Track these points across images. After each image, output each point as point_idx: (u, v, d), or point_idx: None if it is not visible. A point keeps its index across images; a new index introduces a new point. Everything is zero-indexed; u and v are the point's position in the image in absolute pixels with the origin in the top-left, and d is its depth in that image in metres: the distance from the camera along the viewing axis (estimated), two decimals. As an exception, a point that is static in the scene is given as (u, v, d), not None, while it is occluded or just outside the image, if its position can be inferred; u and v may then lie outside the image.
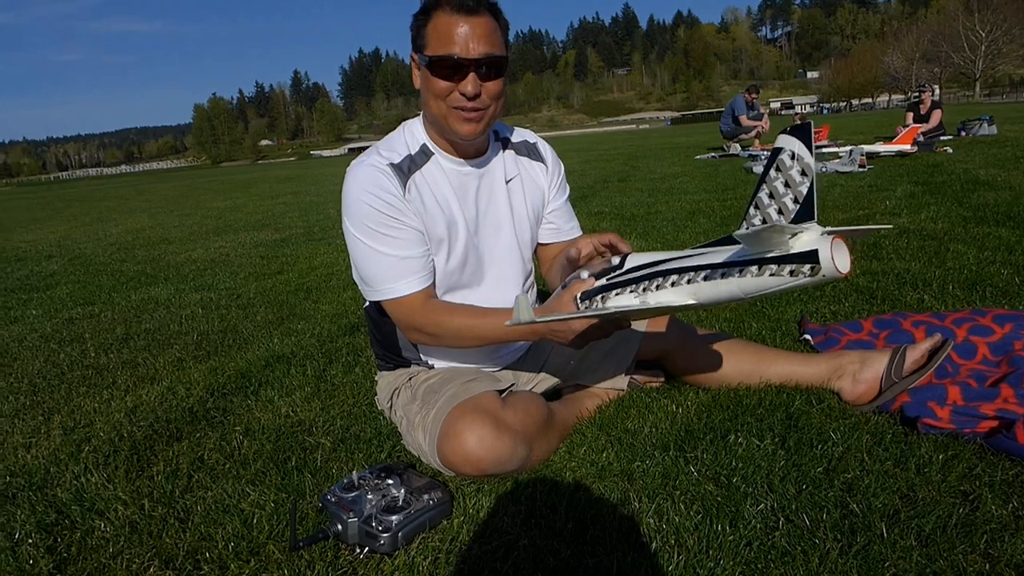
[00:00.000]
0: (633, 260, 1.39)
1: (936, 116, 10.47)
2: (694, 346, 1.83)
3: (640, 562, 1.17)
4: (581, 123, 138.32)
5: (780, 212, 1.12)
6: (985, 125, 11.12)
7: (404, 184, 1.52)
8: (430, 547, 1.27)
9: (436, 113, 1.49)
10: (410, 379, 1.68)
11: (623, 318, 1.42)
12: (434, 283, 1.59)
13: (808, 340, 2.17)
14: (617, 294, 1.36)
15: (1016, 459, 1.36)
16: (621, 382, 1.81)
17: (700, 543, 1.20)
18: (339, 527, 1.28)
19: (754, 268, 1.14)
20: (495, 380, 1.64)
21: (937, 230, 3.74)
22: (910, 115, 10.74)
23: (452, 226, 1.59)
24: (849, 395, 1.70)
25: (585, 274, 1.44)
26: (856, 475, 1.37)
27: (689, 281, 1.24)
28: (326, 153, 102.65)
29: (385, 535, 1.25)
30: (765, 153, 9.62)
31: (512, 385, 1.65)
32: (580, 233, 1.81)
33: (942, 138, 10.13)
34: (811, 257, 1.07)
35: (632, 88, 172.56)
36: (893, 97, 71.13)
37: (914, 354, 1.69)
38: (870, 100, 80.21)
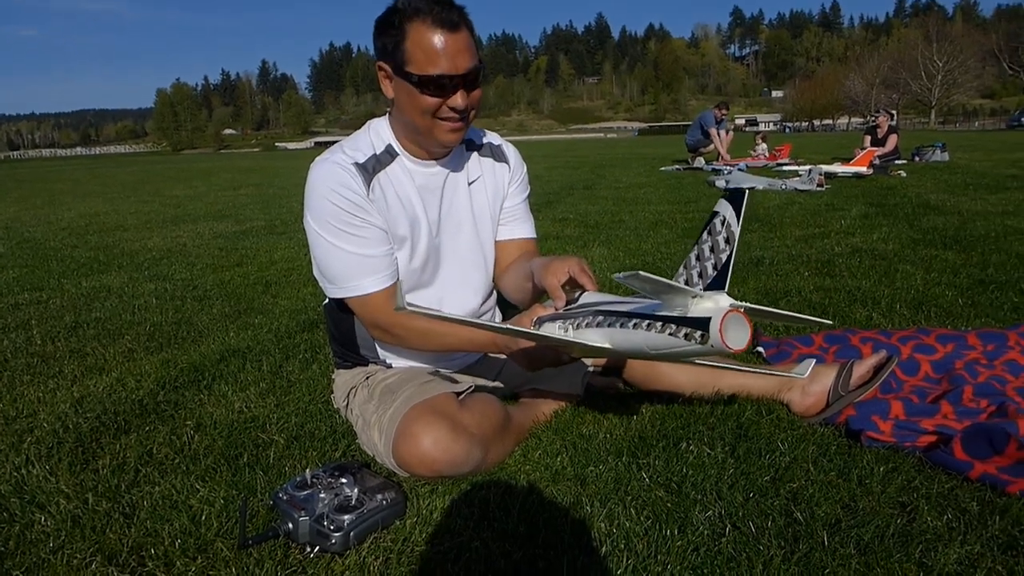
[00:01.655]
0: (586, 298, 1.45)
1: (892, 140, 10.82)
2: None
3: (591, 565, 1.19)
4: (550, 129, 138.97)
5: (700, 276, 1.16)
6: (938, 152, 11.53)
7: (368, 183, 1.52)
8: (382, 547, 1.26)
9: (421, 126, 1.48)
10: (367, 378, 1.67)
11: (563, 349, 1.46)
12: (399, 281, 1.59)
13: (761, 352, 2.22)
14: (552, 323, 1.42)
15: (952, 473, 1.42)
16: (578, 388, 1.82)
17: (649, 548, 1.22)
18: (290, 526, 1.27)
19: (658, 324, 1.17)
20: (453, 382, 1.64)
21: (888, 250, 3.86)
22: (868, 138, 11.08)
23: (415, 226, 1.59)
24: (798, 407, 1.75)
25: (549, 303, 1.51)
26: (801, 484, 1.41)
27: (610, 325, 1.28)
28: (291, 146, 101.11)
29: (337, 534, 1.24)
30: (728, 168, 9.81)
31: (470, 387, 1.66)
32: (534, 235, 1.82)
33: (897, 162, 10.47)
34: (702, 324, 1.10)
35: (602, 97, 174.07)
36: (853, 120, 73.14)
37: (860, 369, 1.74)
38: (831, 121, 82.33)
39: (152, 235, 5.91)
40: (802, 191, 7.25)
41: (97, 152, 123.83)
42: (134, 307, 3.24)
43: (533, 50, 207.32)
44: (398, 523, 1.33)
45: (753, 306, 1.13)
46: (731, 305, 1.10)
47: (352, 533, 1.26)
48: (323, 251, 1.53)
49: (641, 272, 1.06)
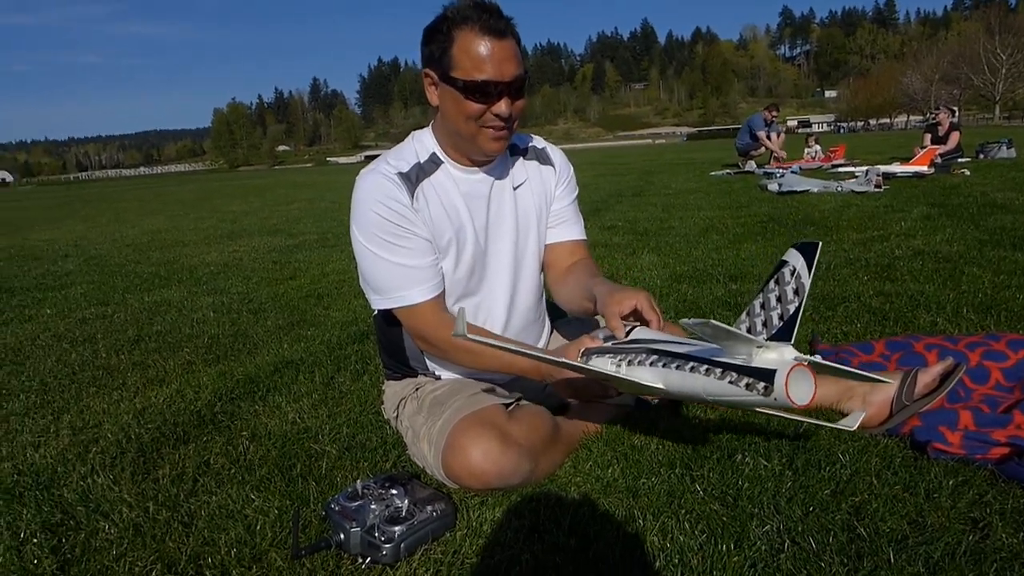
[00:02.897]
0: (638, 333, 1.43)
1: (954, 138, 10.40)
2: None
3: (642, 581, 1.16)
4: (597, 136, 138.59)
5: (765, 325, 1.13)
6: (1004, 148, 11.03)
7: (412, 193, 1.53)
8: (432, 559, 1.26)
9: (465, 133, 1.49)
10: (416, 390, 1.68)
11: (610, 384, 1.44)
12: (444, 292, 1.60)
13: (819, 359, 2.15)
14: (602, 356, 1.40)
15: (1028, 488, 1.34)
16: (629, 398, 1.79)
17: (704, 563, 1.19)
18: (341, 536, 1.28)
19: (718, 370, 1.15)
20: (502, 393, 1.63)
21: (952, 252, 3.70)
22: (928, 136, 10.69)
23: (461, 234, 1.59)
24: (859, 418, 1.68)
25: (601, 335, 1.49)
26: (864, 498, 1.35)
27: (664, 365, 1.26)
28: (342, 160, 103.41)
29: (387, 546, 1.25)
30: (781, 171, 9.59)
31: (519, 398, 1.65)
32: (584, 237, 1.81)
33: (960, 160, 10.06)
34: (767, 376, 1.07)
35: (649, 103, 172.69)
36: (911, 118, 70.79)
37: (925, 378, 1.67)
38: (888, 120, 79.84)
39: (210, 250, 6.10)
40: (859, 192, 7.02)
41: (159, 171, 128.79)
42: (193, 320, 3.35)
43: (579, 58, 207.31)
44: (448, 535, 1.33)
45: (819, 360, 1.10)
46: (796, 359, 1.07)
47: (403, 544, 1.26)
48: (368, 262, 1.55)
49: (712, 321, 1.05)
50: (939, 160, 9.26)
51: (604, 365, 1.38)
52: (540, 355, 1.39)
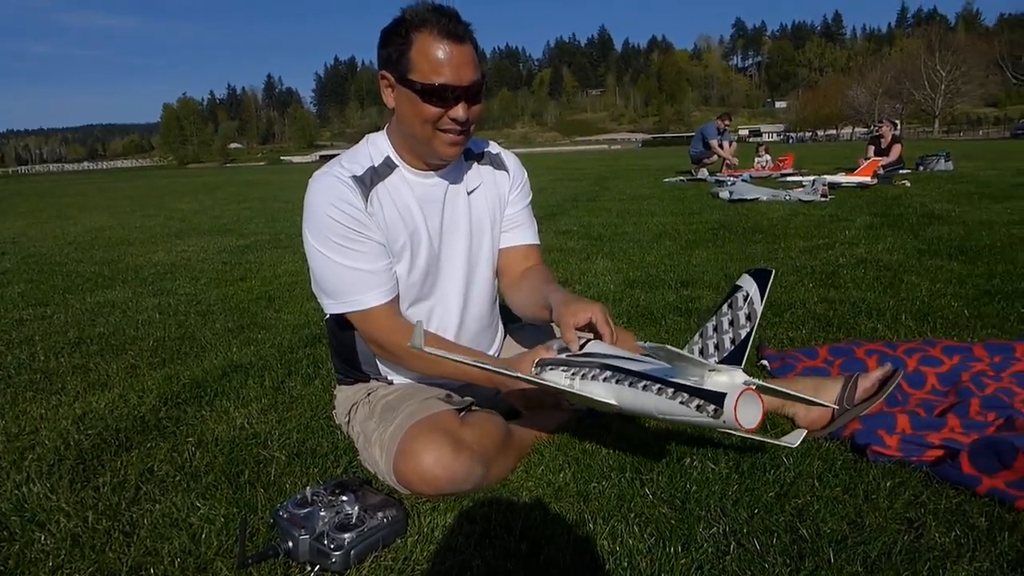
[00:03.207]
0: (592, 347, 1.45)
1: (896, 150, 10.81)
2: None
3: (592, 585, 1.17)
4: (554, 141, 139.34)
5: (717, 347, 1.16)
6: (942, 161, 11.51)
7: (366, 196, 1.52)
8: (382, 566, 1.25)
9: (420, 136, 1.49)
10: (368, 394, 1.66)
11: (560, 395, 1.46)
12: (398, 296, 1.59)
13: (765, 365, 2.21)
14: (555, 369, 1.42)
15: (960, 487, 1.40)
16: (581, 407, 1.81)
17: (652, 566, 1.21)
18: (290, 544, 1.26)
19: (670, 390, 1.18)
20: (454, 398, 1.63)
21: (893, 261, 3.84)
22: (871, 148, 11.08)
23: (415, 237, 1.59)
24: (803, 421, 1.73)
25: (556, 346, 1.51)
26: (806, 500, 1.39)
27: (618, 382, 1.28)
28: (296, 159, 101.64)
29: (337, 553, 1.23)
30: (732, 179, 9.81)
31: (472, 403, 1.65)
32: (537, 242, 1.81)
33: (901, 172, 10.46)
34: (717, 399, 1.10)
35: (605, 109, 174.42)
36: (856, 130, 73.17)
37: (865, 383, 1.73)
38: (835, 131, 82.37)
39: (157, 249, 5.93)
40: (806, 201, 7.24)
41: (104, 166, 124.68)
42: (138, 322, 3.25)
43: (537, 63, 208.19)
44: (399, 541, 1.32)
45: (766, 384, 1.13)
46: (746, 383, 1.10)
47: (352, 552, 1.24)
48: (321, 266, 1.53)
49: (668, 347, 1.08)
50: (882, 171, 9.61)
51: (558, 379, 1.40)
52: (496, 369, 1.39)
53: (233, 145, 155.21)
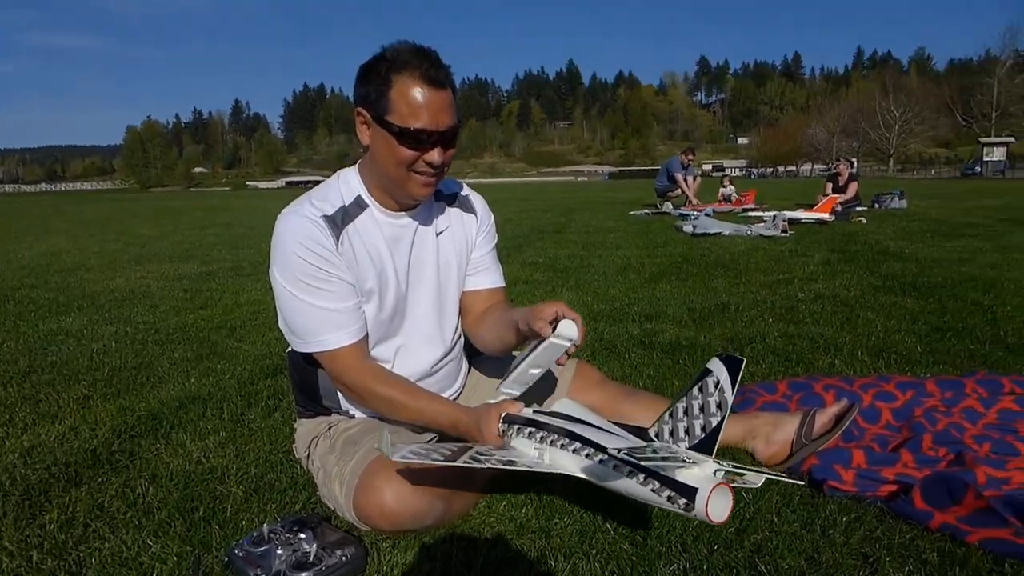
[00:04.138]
0: (562, 406, 1.45)
1: (853, 187, 11.16)
2: (619, 404, 1.85)
3: (553, 624, 1.16)
4: (522, 172, 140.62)
5: (687, 432, 1.18)
6: (896, 199, 11.91)
7: (337, 237, 1.51)
8: (339, 606, 1.22)
9: (394, 177, 1.49)
10: (329, 428, 1.64)
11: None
12: (367, 336, 1.58)
13: (726, 400, 2.24)
14: (522, 433, 1.41)
15: (913, 522, 1.43)
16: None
17: (613, 604, 1.20)
18: (244, 584, 1.23)
19: (641, 476, 1.19)
20: (417, 433, 1.62)
21: (849, 297, 3.95)
22: (829, 185, 11.43)
23: (383, 278, 1.59)
24: (762, 455, 1.76)
25: (518, 391, 1.53)
26: (765, 536, 1.41)
27: (588, 456, 1.29)
28: (262, 185, 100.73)
29: (293, 593, 1.20)
30: (695, 213, 10.01)
31: (433, 438, 1.64)
32: (503, 284, 1.82)
33: (857, 208, 10.78)
34: (689, 493, 1.13)
35: (572, 141, 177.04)
36: (815, 166, 75.35)
37: (822, 418, 1.76)
38: (794, 168, 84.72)
39: (115, 275, 5.80)
40: (767, 237, 7.41)
41: (63, 188, 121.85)
42: (92, 351, 3.16)
43: (505, 94, 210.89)
44: (358, 580, 1.30)
45: (734, 470, 1.15)
46: (716, 472, 1.13)
47: (309, 592, 1.22)
48: (289, 305, 1.52)
49: (648, 428, 1.08)
50: (839, 208, 9.90)
51: (527, 449, 1.39)
52: (468, 462, 1.29)
53: (198, 169, 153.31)
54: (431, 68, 1.41)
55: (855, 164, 12.60)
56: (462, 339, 1.84)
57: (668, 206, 11.93)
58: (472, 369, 1.93)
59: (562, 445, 1.34)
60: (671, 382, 2.45)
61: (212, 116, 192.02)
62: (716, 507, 1.11)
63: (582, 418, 1.42)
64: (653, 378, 2.51)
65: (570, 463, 1.32)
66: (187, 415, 2.23)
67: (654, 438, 1.27)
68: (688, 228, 8.01)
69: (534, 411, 1.46)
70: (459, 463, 1.29)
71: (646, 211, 12.10)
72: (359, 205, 1.57)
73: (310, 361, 1.61)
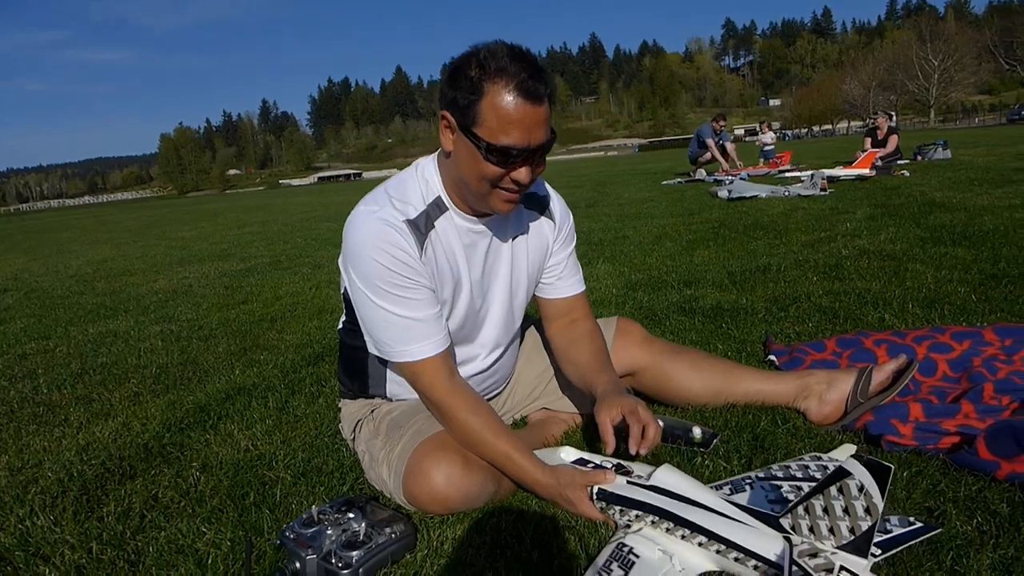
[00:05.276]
0: (663, 474, 1.30)
1: (893, 141, 10.80)
2: (663, 362, 1.80)
3: (607, 592, 1.14)
4: (551, 150, 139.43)
5: (832, 531, 1.09)
6: (940, 149, 11.49)
7: (421, 244, 1.41)
8: (392, 583, 1.22)
9: (476, 190, 1.36)
10: (372, 411, 1.63)
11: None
12: (452, 346, 1.50)
13: (773, 361, 2.18)
14: (632, 524, 1.27)
15: (978, 474, 1.37)
16: (587, 405, 1.78)
17: (668, 570, 1.17)
18: (297, 565, 1.23)
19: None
20: None
21: (896, 251, 3.81)
22: (868, 140, 11.07)
23: (457, 286, 1.51)
24: (815, 415, 1.70)
25: (609, 464, 1.40)
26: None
27: (719, 552, 1.16)
28: (295, 182, 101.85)
29: (345, 571, 1.21)
30: (731, 178, 9.79)
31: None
32: (582, 288, 1.71)
33: (899, 162, 10.43)
34: None
35: (600, 116, 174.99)
36: (852, 123, 73.21)
37: (880, 375, 1.69)
38: (830, 126, 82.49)
39: (158, 278, 5.93)
40: (805, 196, 7.21)
41: (104, 200, 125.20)
42: (140, 350, 3.23)
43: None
44: (408, 556, 1.29)
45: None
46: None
47: (361, 569, 1.22)
48: (371, 314, 1.43)
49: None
50: (880, 163, 9.59)
51: (648, 552, 1.21)
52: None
53: (232, 171, 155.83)
54: (530, 79, 1.25)
55: (894, 117, 12.16)
56: (517, 343, 1.79)
57: (702, 172, 11.70)
58: (553, 380, 1.84)
59: (683, 536, 1.20)
60: (715, 345, 2.39)
61: (241, 118, 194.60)
62: None
63: (689, 486, 1.26)
64: (696, 343, 2.46)
65: (702, 561, 1.18)
66: (233, 406, 2.27)
67: (789, 530, 1.12)
68: (723, 193, 7.84)
69: (628, 482, 1.33)
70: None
71: (679, 180, 11.90)
72: (439, 207, 1.45)
73: (360, 344, 1.56)
